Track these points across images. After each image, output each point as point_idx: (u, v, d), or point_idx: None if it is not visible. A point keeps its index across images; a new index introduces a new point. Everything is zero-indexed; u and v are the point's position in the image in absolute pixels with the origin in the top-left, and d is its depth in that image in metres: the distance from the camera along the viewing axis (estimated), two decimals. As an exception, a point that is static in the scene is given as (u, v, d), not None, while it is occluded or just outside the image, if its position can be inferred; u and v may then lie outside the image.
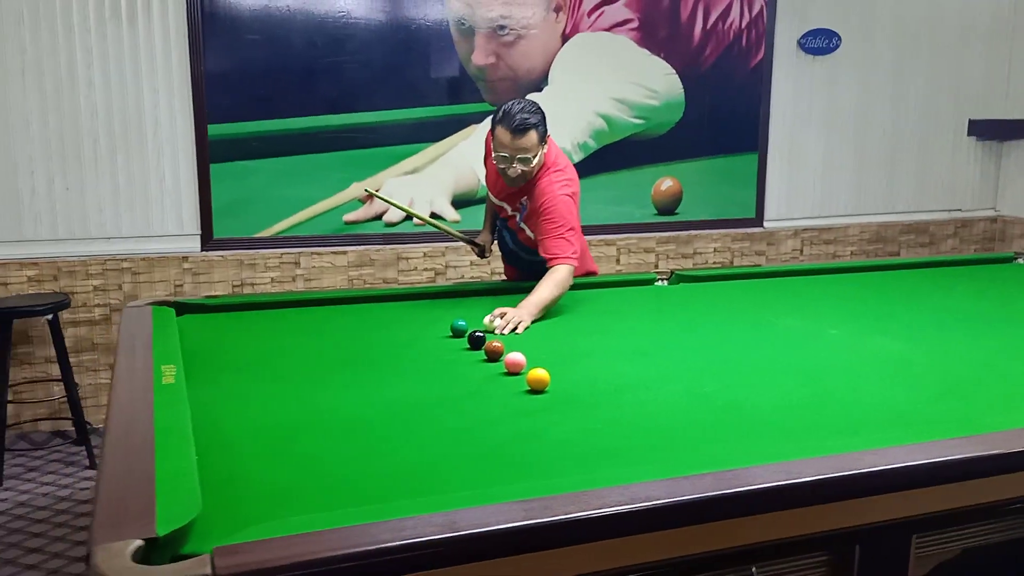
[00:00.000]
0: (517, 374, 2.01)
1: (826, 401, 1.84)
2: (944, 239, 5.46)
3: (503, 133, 2.69)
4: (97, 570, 1.06)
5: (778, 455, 1.44)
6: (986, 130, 5.36)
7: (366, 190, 3.33)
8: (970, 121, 5.36)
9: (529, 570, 1.20)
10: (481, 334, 2.28)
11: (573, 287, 2.87)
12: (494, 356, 2.15)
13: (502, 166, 2.76)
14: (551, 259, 2.75)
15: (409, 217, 3.21)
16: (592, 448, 1.57)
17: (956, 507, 1.49)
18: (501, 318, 2.50)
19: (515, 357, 2.04)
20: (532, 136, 2.68)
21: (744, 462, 1.41)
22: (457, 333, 2.40)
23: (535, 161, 2.74)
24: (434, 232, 4.36)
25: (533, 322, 2.56)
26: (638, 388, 1.94)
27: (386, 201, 3.29)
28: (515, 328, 2.47)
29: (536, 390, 1.89)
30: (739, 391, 1.90)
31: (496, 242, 3.33)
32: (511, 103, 2.73)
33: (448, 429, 1.68)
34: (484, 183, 3.19)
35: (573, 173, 2.94)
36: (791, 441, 1.58)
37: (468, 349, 2.27)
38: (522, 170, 2.74)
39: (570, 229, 2.78)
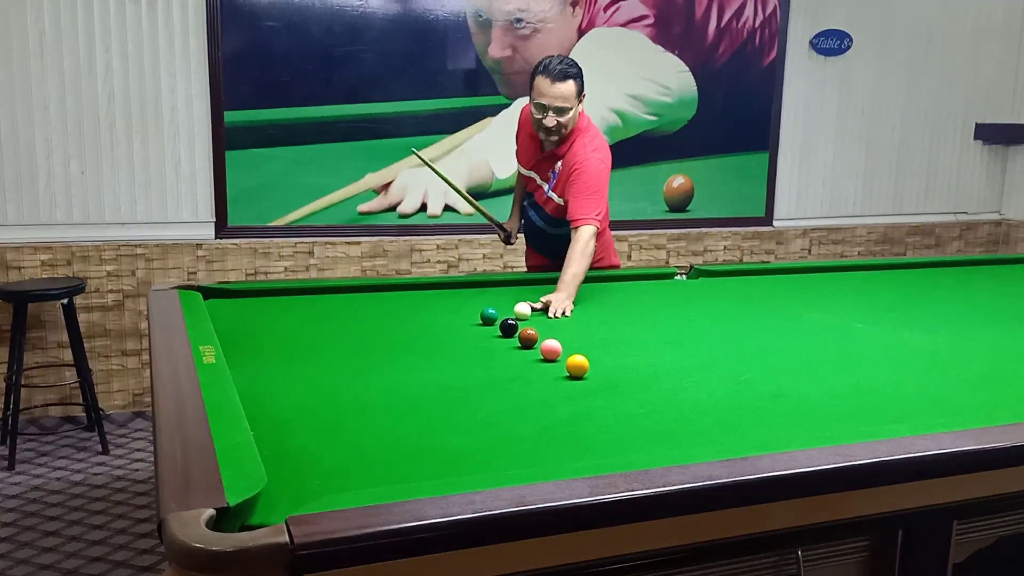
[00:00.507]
0: (553, 361, 2.02)
1: (868, 390, 1.85)
2: (950, 241, 5.50)
3: (542, 81, 2.72)
4: (174, 537, 1.05)
5: (831, 440, 1.45)
6: (993, 134, 5.40)
7: (413, 150, 3.30)
8: (977, 125, 5.41)
9: (594, 545, 1.21)
10: (513, 321, 2.28)
11: (595, 280, 2.91)
12: (528, 343, 2.16)
13: (538, 116, 2.76)
14: (575, 221, 2.75)
15: (448, 187, 3.19)
16: (641, 430, 1.58)
17: (997, 494, 1.51)
18: (547, 310, 2.53)
19: (552, 344, 2.05)
20: (570, 85, 2.71)
21: (796, 446, 1.42)
22: (487, 321, 2.41)
23: (570, 114, 2.75)
24: (447, 224, 4.38)
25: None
26: (676, 375, 1.94)
27: (429, 166, 3.25)
28: (564, 313, 2.52)
29: (576, 376, 1.89)
30: (779, 379, 1.91)
31: (523, 228, 3.31)
32: (549, 57, 2.78)
33: (497, 411, 1.69)
34: (516, 160, 3.18)
35: (607, 147, 2.93)
36: (842, 427, 1.59)
37: (500, 337, 2.27)
38: (557, 121, 2.74)
39: (596, 192, 2.77)
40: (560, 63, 2.73)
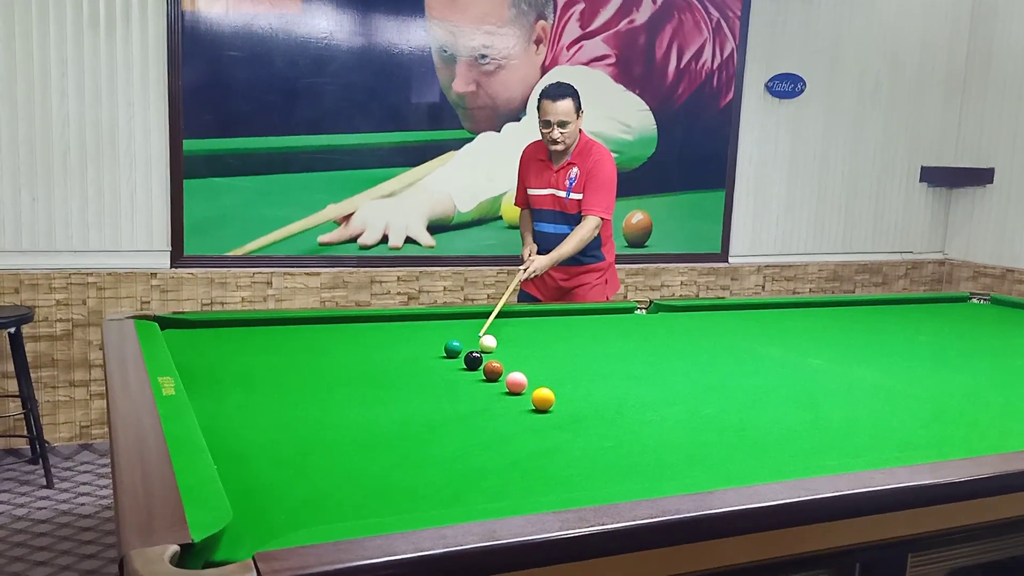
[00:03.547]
0: (519, 394, 2.02)
1: (825, 425, 1.89)
2: (896, 280, 5.66)
3: (545, 103, 3.29)
4: (137, 574, 1.03)
5: (791, 474, 1.48)
6: (937, 177, 5.60)
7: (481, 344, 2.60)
8: (922, 168, 5.60)
9: (564, 581, 1.21)
10: (477, 354, 2.28)
11: (557, 313, 3.11)
12: (493, 376, 2.16)
13: (546, 131, 3.33)
14: (585, 210, 3.35)
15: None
16: (609, 464, 1.59)
17: (950, 527, 1.55)
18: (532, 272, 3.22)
19: (517, 377, 2.05)
20: (568, 102, 3.28)
21: (759, 480, 1.44)
22: (451, 354, 2.40)
23: (571, 126, 3.31)
24: (408, 256, 4.38)
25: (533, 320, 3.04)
26: (640, 409, 1.96)
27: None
28: (534, 271, 3.22)
29: (541, 409, 1.90)
30: (740, 414, 1.94)
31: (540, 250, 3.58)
32: (550, 83, 3.40)
33: (463, 445, 1.68)
34: (516, 200, 3.71)
35: (613, 159, 3.47)
36: (803, 461, 1.61)
37: (465, 370, 2.27)
38: (561, 133, 3.30)
39: (607, 188, 3.36)
40: (558, 87, 3.32)
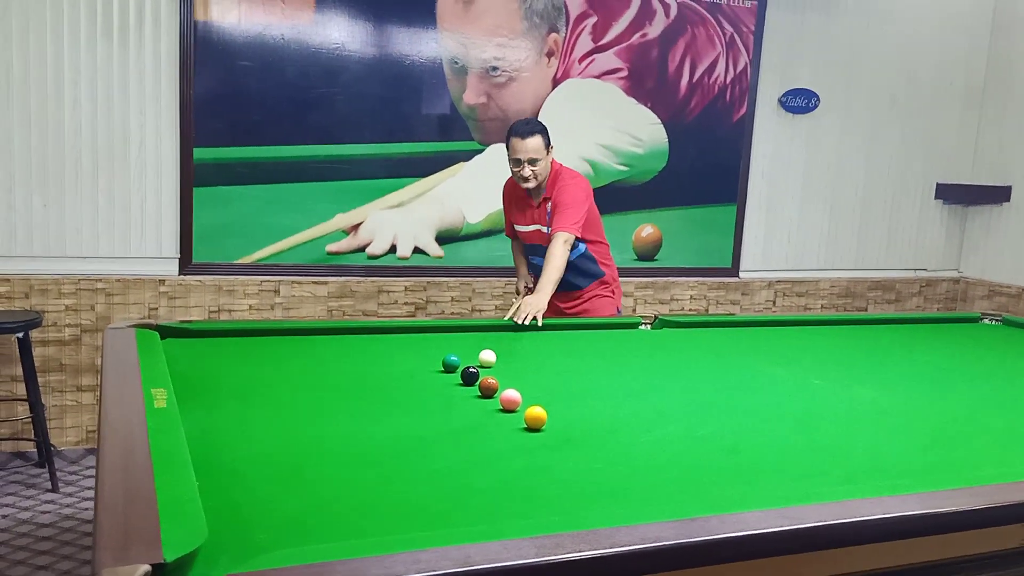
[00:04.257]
0: (512, 411, 2.01)
1: (820, 448, 1.86)
2: (910, 297, 5.60)
3: (515, 141, 3.28)
4: (106, 594, 1.03)
5: (780, 500, 1.46)
6: (953, 194, 5.54)
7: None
8: (938, 185, 5.54)
9: (540, 608, 1.20)
10: (474, 370, 2.28)
11: (560, 327, 3.10)
12: (488, 393, 2.15)
13: (516, 169, 3.31)
14: (552, 230, 3.28)
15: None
16: (596, 487, 1.57)
17: (944, 559, 1.52)
18: (523, 317, 3.01)
19: (511, 395, 2.04)
20: (537, 139, 3.27)
21: (747, 506, 1.42)
22: (449, 368, 2.40)
23: (542, 163, 3.29)
24: (416, 266, 4.39)
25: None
26: (634, 429, 1.95)
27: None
28: (535, 319, 3.02)
29: (533, 428, 1.89)
30: (734, 436, 1.92)
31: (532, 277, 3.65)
32: (518, 120, 3.39)
33: (452, 463, 1.67)
34: (506, 232, 3.73)
35: (580, 176, 3.46)
36: (791, 487, 1.59)
37: (461, 385, 2.26)
38: (532, 171, 3.28)
39: (569, 206, 3.28)
40: (526, 124, 3.31)
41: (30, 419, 3.68)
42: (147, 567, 1.09)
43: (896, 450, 1.89)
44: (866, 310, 5.43)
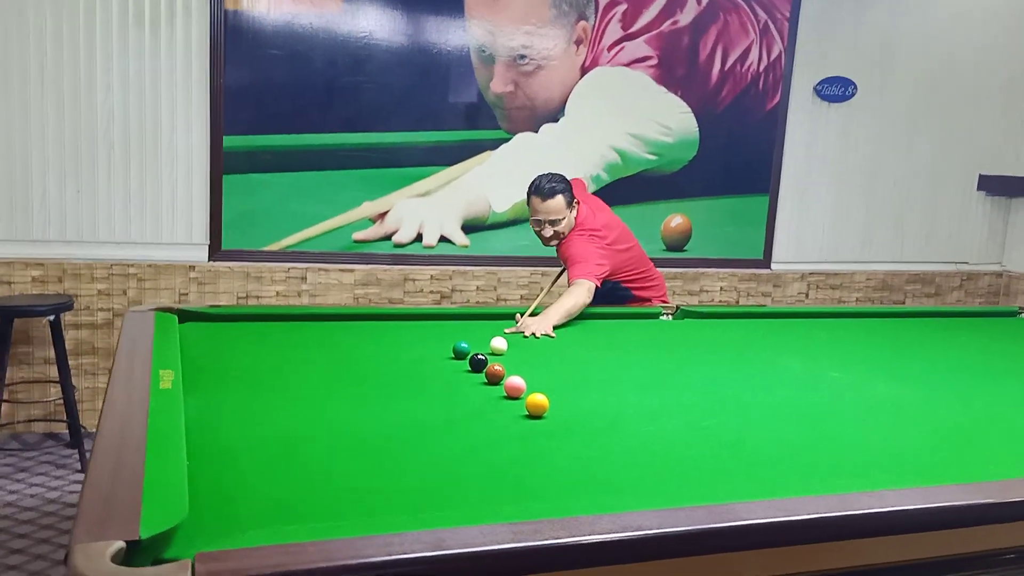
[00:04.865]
0: (517, 399, 2.00)
1: (825, 442, 1.82)
2: (950, 291, 5.44)
3: (535, 200, 3.14)
4: (76, 570, 1.04)
5: (774, 493, 1.42)
6: (996, 186, 5.37)
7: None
8: (980, 176, 5.37)
9: (515, 595, 1.18)
10: (482, 357, 2.27)
11: (580, 316, 3.04)
12: (495, 380, 2.14)
13: (536, 229, 3.19)
14: (571, 279, 3.11)
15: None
16: (587, 476, 1.55)
17: (949, 554, 1.47)
18: (525, 330, 2.80)
19: (515, 381, 2.03)
20: (559, 200, 3.11)
21: (739, 497, 1.39)
22: (459, 355, 2.39)
23: (564, 223, 3.15)
24: (442, 255, 4.40)
25: (555, 328, 2.84)
26: (637, 419, 1.92)
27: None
28: (546, 333, 2.79)
29: (534, 415, 1.87)
30: (739, 428, 1.88)
31: None
32: (539, 177, 3.17)
33: (446, 449, 1.66)
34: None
35: (597, 224, 3.21)
36: (789, 480, 1.55)
37: (469, 372, 2.26)
38: (553, 231, 3.15)
39: (581, 262, 3.10)
40: (548, 182, 3.12)
41: (62, 400, 3.76)
42: (121, 543, 1.10)
43: (907, 446, 1.83)
44: (903, 304, 5.29)
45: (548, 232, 3.16)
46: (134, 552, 1.12)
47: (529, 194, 3.17)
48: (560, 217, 3.13)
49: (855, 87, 4.98)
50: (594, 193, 4.56)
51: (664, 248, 4.79)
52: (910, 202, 5.27)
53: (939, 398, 2.26)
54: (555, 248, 3.25)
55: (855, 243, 5.20)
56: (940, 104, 5.21)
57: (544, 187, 3.11)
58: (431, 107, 4.32)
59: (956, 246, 5.42)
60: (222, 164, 4.06)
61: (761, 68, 4.82)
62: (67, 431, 3.89)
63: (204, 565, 1.06)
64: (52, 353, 3.76)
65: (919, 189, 5.28)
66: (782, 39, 4.82)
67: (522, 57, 4.39)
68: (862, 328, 3.28)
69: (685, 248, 4.84)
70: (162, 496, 1.26)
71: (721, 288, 4.92)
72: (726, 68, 4.75)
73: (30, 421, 3.93)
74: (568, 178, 3.21)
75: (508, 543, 1.18)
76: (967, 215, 5.41)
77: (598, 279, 3.09)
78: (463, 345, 2.40)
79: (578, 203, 3.22)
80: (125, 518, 1.18)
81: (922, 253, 5.36)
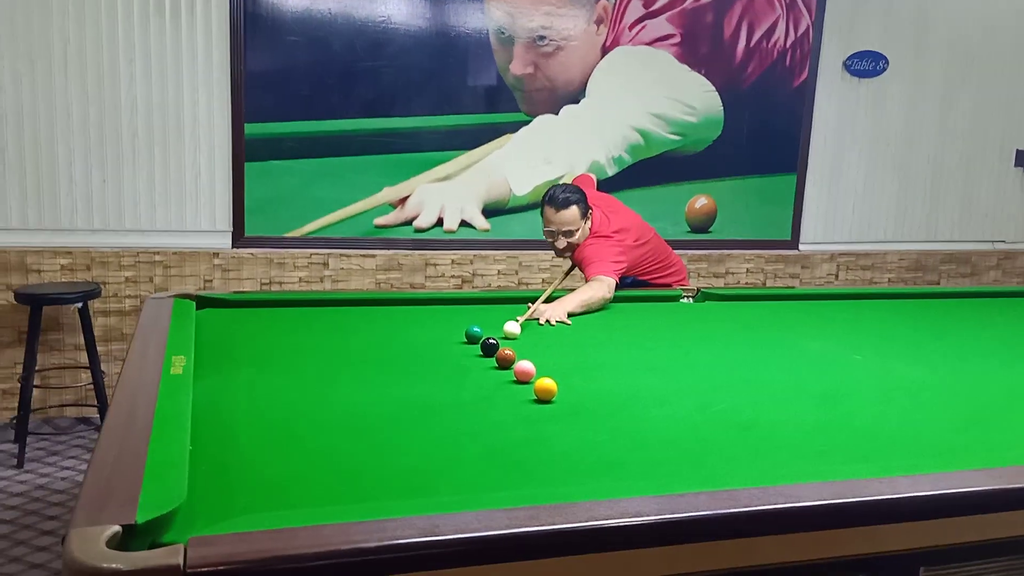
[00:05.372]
0: (526, 383, 1.98)
1: (841, 426, 1.78)
2: (986, 270, 5.31)
3: (549, 211, 3.08)
4: (69, 554, 1.05)
5: (783, 478, 1.39)
6: (1035, 161, 5.21)
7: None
8: (1018, 151, 5.22)
9: (509, 580, 1.17)
10: (493, 341, 2.25)
11: None
12: (505, 364, 2.13)
13: (550, 240, 3.13)
14: (588, 276, 3.08)
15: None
16: (593, 459, 1.53)
17: (967, 541, 1.43)
18: (539, 316, 2.76)
19: (524, 366, 2.01)
20: (573, 211, 3.05)
21: (747, 482, 1.37)
22: (471, 339, 2.38)
23: (578, 234, 3.09)
24: (463, 239, 4.39)
25: (570, 315, 2.80)
26: (649, 402, 1.89)
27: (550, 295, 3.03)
28: (561, 319, 2.74)
29: (543, 399, 1.86)
30: (753, 411, 1.85)
31: None
32: (554, 187, 3.13)
33: (451, 433, 1.66)
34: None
35: (611, 229, 3.15)
36: (799, 464, 1.52)
37: (481, 356, 2.25)
38: (567, 242, 3.09)
39: (597, 261, 3.06)
40: (563, 192, 3.07)
41: (92, 386, 3.83)
42: (117, 528, 1.11)
43: (927, 430, 1.78)
44: (938, 284, 5.17)
45: (562, 243, 3.10)
46: (132, 537, 1.13)
47: (543, 204, 3.12)
48: (574, 228, 3.06)
49: (886, 61, 4.86)
50: (616, 175, 4.53)
51: (688, 230, 4.73)
52: (944, 179, 5.14)
53: (966, 381, 2.20)
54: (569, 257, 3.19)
55: (887, 222, 5.09)
56: (976, 77, 5.06)
57: (558, 197, 3.05)
58: (450, 91, 4.29)
59: (993, 224, 5.29)
60: (244, 151, 4.09)
61: (788, 44, 4.72)
62: (97, 415, 3.96)
63: (196, 550, 1.06)
64: (81, 339, 3.83)
65: (954, 165, 5.14)
66: (810, 13, 4.71)
67: (542, 38, 4.35)
68: (890, 309, 3.21)
69: (710, 230, 4.77)
70: (161, 481, 1.27)
71: (747, 270, 4.85)
72: (751, 44, 4.66)
73: (62, 406, 4.01)
74: (578, 173, 3.16)
75: (503, 529, 1.17)
76: (1004, 192, 5.27)
77: (617, 275, 3.05)
78: (475, 329, 2.40)
79: (592, 212, 3.14)
80: (123, 503, 1.19)
81: (957, 232, 5.23)
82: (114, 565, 1.03)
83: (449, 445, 1.59)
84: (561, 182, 3.13)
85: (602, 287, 2.96)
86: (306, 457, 1.52)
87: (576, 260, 3.16)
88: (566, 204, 3.04)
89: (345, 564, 1.10)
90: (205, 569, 1.04)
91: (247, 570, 1.06)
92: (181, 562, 1.04)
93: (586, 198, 3.11)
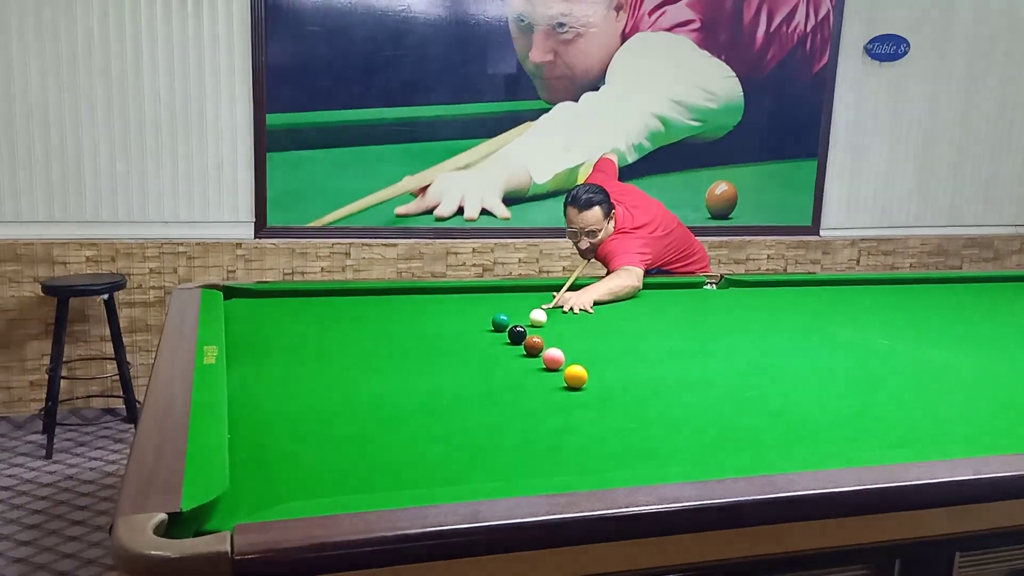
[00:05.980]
0: (555, 370, 1.99)
1: (872, 412, 1.77)
2: (1009, 255, 5.26)
3: (572, 212, 3.07)
4: (118, 542, 1.06)
5: (817, 464, 1.39)
6: (1061, 144, 5.15)
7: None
8: (1044, 134, 5.16)
9: (552, 565, 1.18)
10: (521, 329, 2.26)
11: None
12: (533, 352, 2.13)
13: (573, 240, 3.13)
14: (612, 267, 3.05)
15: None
16: (625, 447, 1.54)
17: (1005, 526, 1.43)
18: (564, 304, 2.76)
19: (553, 353, 2.02)
20: (596, 211, 3.04)
21: (780, 468, 1.37)
22: (498, 327, 2.39)
23: (601, 235, 3.08)
24: (483, 228, 4.39)
25: (597, 304, 2.80)
26: (678, 390, 1.89)
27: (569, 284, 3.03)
28: (584, 308, 2.73)
29: (573, 387, 1.86)
30: (782, 398, 1.85)
31: None
32: (576, 187, 3.14)
33: (484, 421, 1.67)
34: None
35: (634, 224, 3.13)
36: (832, 450, 1.52)
37: (508, 344, 2.25)
38: (590, 243, 3.08)
39: (622, 253, 3.04)
40: (586, 193, 3.06)
41: (118, 377, 3.87)
42: (163, 515, 1.13)
43: (960, 415, 1.77)
44: (960, 269, 5.13)
45: (584, 244, 3.09)
46: (176, 524, 1.14)
47: (566, 205, 3.11)
48: (597, 228, 3.05)
49: (908, 45, 4.81)
50: (636, 161, 4.51)
51: (709, 216, 4.71)
52: (967, 164, 5.09)
53: (999, 366, 2.19)
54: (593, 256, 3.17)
55: (908, 207, 5.05)
56: (998, 60, 5.01)
57: (581, 198, 3.04)
58: (470, 79, 4.29)
59: (1017, 208, 5.23)
60: (265, 142, 4.10)
61: (808, 28, 4.68)
62: (123, 406, 4.00)
63: (243, 536, 1.07)
64: (107, 331, 3.86)
65: (976, 149, 5.09)
66: (830, -3, 4.66)
67: (561, 25, 4.33)
68: (915, 294, 3.19)
69: (730, 216, 4.75)
70: (203, 469, 1.28)
71: (768, 256, 4.83)
72: (771, 30, 4.62)
73: (88, 397, 4.05)
74: (599, 158, 3.16)
75: (544, 515, 1.18)
76: (1028, 176, 5.21)
77: (643, 265, 3.04)
78: (502, 317, 2.40)
79: (615, 210, 3.12)
80: (167, 491, 1.20)
81: (980, 216, 5.18)
82: (163, 552, 1.04)
83: (483, 433, 1.60)
84: (581, 171, 3.08)
85: (631, 276, 2.95)
86: (341, 446, 1.53)
87: (600, 256, 3.14)
88: (589, 205, 3.03)
89: (390, 551, 1.11)
90: (252, 555, 1.05)
91: (293, 556, 1.07)
92: (228, 549, 1.05)
93: (609, 197, 3.09)
